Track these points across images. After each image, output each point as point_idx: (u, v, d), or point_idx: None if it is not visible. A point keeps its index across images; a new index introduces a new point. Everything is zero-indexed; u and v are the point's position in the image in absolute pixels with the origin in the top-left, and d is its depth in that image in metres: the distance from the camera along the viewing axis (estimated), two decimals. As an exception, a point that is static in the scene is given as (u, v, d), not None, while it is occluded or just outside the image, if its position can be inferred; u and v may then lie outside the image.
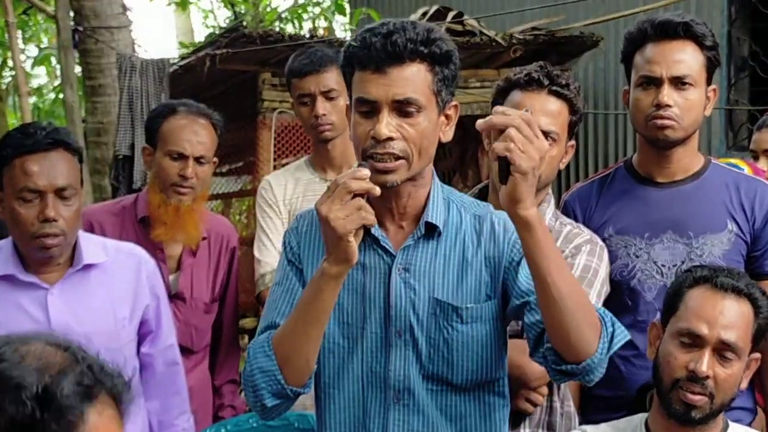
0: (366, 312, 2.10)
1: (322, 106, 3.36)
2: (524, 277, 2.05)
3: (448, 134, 2.10)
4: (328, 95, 3.37)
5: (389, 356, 2.09)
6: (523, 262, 2.04)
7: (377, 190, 1.91)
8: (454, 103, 2.09)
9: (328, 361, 2.12)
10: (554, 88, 2.59)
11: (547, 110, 2.57)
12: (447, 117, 2.09)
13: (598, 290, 2.56)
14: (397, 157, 1.98)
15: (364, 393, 2.11)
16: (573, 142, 2.68)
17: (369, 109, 1.99)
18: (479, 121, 1.87)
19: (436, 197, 2.12)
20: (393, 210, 2.11)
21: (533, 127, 1.83)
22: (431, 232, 2.11)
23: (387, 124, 1.96)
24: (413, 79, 1.98)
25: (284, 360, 2.01)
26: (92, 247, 2.74)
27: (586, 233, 2.66)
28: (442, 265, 2.10)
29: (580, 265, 2.55)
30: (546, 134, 2.55)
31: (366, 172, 1.90)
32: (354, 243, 1.89)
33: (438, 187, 2.15)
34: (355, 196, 1.88)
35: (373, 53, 1.97)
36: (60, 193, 2.59)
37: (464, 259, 2.11)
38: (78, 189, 2.65)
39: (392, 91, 1.96)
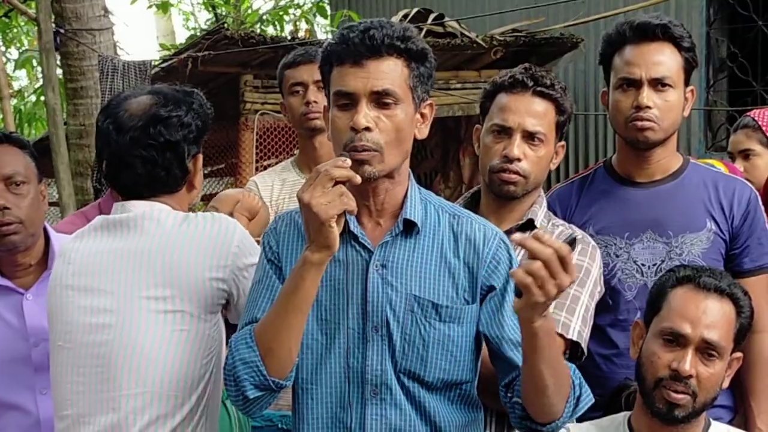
0: (343, 307, 2.11)
1: (314, 93, 3.39)
2: (508, 326, 2.09)
3: (423, 132, 2.14)
4: (319, 85, 3.39)
5: (366, 351, 2.10)
6: (506, 299, 2.09)
7: (358, 179, 1.94)
8: (429, 101, 2.13)
9: (306, 357, 2.12)
10: (539, 89, 2.58)
11: (532, 111, 2.56)
12: (422, 115, 2.13)
13: (590, 290, 2.56)
14: (373, 149, 2.01)
15: (341, 388, 2.11)
16: (563, 142, 2.68)
17: (348, 101, 2.03)
18: (516, 236, 1.90)
19: (413, 196, 2.15)
20: (370, 207, 2.13)
21: (564, 262, 1.83)
22: (409, 229, 2.13)
23: (365, 115, 2.00)
24: (390, 72, 2.02)
25: (267, 351, 2.02)
26: None
27: (578, 233, 2.64)
28: (420, 262, 2.12)
29: None
30: (533, 135, 2.56)
31: (348, 160, 1.94)
32: (336, 229, 1.92)
33: (415, 187, 2.17)
34: (336, 183, 1.91)
35: (352, 48, 2.01)
36: (8, 181, 2.60)
37: (443, 258, 2.13)
38: (30, 180, 2.66)
39: (370, 83, 2.01)
